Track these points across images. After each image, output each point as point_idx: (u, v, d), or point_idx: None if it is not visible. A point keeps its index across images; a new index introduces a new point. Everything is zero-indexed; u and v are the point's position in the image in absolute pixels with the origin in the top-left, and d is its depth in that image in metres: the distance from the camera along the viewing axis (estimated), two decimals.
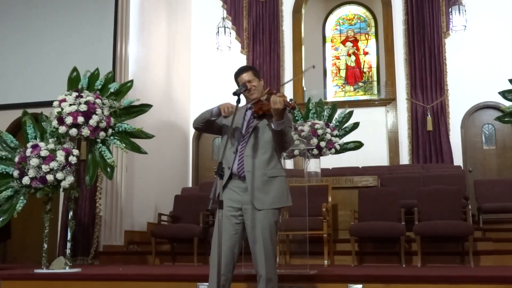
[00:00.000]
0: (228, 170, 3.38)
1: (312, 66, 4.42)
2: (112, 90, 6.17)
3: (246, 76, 3.49)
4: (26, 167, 5.54)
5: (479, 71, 9.97)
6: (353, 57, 11.73)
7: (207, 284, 3.39)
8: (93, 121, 5.71)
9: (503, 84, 7.12)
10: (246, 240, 3.43)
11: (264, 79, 10.69)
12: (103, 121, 5.81)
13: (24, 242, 8.36)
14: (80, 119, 5.67)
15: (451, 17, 9.85)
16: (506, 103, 7.05)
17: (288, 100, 3.25)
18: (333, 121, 7.85)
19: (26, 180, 5.53)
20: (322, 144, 7.34)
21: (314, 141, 7.27)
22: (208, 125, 3.51)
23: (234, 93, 3.43)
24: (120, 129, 6.00)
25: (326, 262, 6.29)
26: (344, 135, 7.86)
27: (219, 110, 3.41)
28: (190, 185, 10.58)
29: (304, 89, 11.03)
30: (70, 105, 5.75)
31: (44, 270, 5.50)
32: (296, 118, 7.89)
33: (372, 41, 11.71)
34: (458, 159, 9.82)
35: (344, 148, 7.72)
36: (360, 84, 11.60)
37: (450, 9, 9.88)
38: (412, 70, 10.29)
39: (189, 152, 11.02)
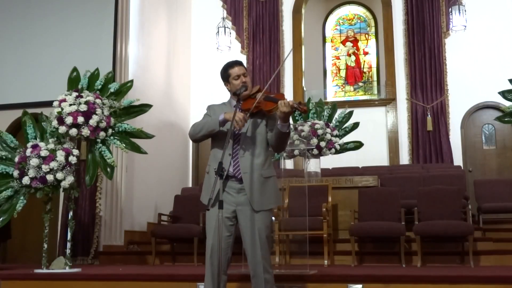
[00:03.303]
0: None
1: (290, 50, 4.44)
2: (112, 90, 6.17)
3: (239, 70, 3.46)
4: (26, 167, 5.54)
5: (479, 71, 9.97)
6: (353, 57, 11.74)
7: None
8: (93, 121, 5.71)
9: (503, 84, 7.12)
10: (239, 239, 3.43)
11: (264, 79, 10.78)
12: (103, 121, 5.80)
13: (24, 242, 8.36)
14: (80, 119, 5.67)
15: (451, 17, 9.85)
16: (506, 103, 7.05)
17: (298, 104, 3.23)
18: (333, 121, 7.84)
19: (26, 180, 5.53)
20: (322, 144, 7.34)
21: (314, 141, 7.27)
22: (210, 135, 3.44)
23: (234, 93, 3.42)
24: (120, 129, 6.00)
25: (326, 262, 6.29)
26: (344, 135, 7.86)
27: (226, 120, 3.32)
28: (190, 185, 10.58)
29: (304, 89, 11.03)
30: (70, 105, 5.75)
31: (44, 270, 5.50)
32: (296, 118, 7.89)
33: (372, 41, 11.71)
34: (458, 159, 9.82)
35: (344, 148, 7.72)
36: (360, 84, 11.60)
37: (450, 9, 9.89)
38: (412, 70, 10.29)
39: (189, 152, 11.02)
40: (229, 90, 3.55)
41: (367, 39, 11.78)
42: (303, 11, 11.32)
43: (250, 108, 3.33)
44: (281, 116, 3.23)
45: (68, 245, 5.77)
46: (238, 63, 3.53)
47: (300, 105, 3.25)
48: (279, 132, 3.31)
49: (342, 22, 12.02)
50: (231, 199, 3.34)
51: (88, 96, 5.85)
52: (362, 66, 11.67)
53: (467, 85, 9.99)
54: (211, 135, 3.44)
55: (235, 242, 3.44)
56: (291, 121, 8.02)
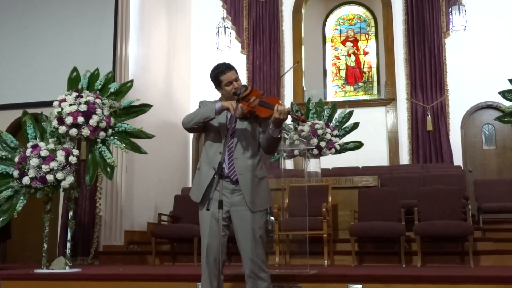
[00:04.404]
0: (213, 170, 3.32)
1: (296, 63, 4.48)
2: (112, 90, 6.17)
3: (231, 75, 3.43)
4: (26, 167, 5.54)
5: (479, 71, 9.97)
6: (353, 57, 11.74)
7: None
8: (93, 121, 5.71)
9: (503, 84, 7.12)
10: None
11: (264, 79, 10.78)
12: (103, 121, 5.80)
13: (24, 242, 8.36)
14: (80, 119, 5.67)
15: (451, 17, 9.84)
16: (506, 103, 7.05)
17: (295, 111, 3.27)
18: (333, 121, 7.85)
19: (26, 180, 5.52)
20: (322, 144, 7.34)
21: (314, 141, 7.27)
22: (205, 124, 3.45)
23: (234, 93, 3.41)
24: (120, 129, 6.00)
25: (326, 262, 6.29)
26: (344, 135, 7.86)
27: (224, 108, 3.34)
28: (190, 185, 10.55)
29: (304, 89, 11.03)
30: (70, 105, 5.75)
31: (44, 270, 5.50)
32: None
33: (372, 41, 11.71)
34: (458, 159, 9.82)
35: (344, 148, 7.72)
36: (360, 84, 11.60)
37: (450, 9, 9.88)
38: (412, 70, 10.29)
39: (189, 152, 11.02)
40: (221, 93, 3.54)
41: (367, 39, 11.78)
42: (303, 11, 11.32)
43: (248, 115, 3.33)
44: (275, 121, 3.24)
45: (68, 245, 5.76)
46: (229, 67, 3.46)
47: (296, 115, 3.36)
48: (270, 137, 3.32)
49: (342, 22, 12.02)
50: (225, 200, 3.34)
51: (88, 96, 5.85)
52: (362, 66, 11.67)
53: (467, 85, 9.99)
54: (204, 125, 3.42)
55: (231, 242, 3.45)
56: (290, 121, 8.09)
